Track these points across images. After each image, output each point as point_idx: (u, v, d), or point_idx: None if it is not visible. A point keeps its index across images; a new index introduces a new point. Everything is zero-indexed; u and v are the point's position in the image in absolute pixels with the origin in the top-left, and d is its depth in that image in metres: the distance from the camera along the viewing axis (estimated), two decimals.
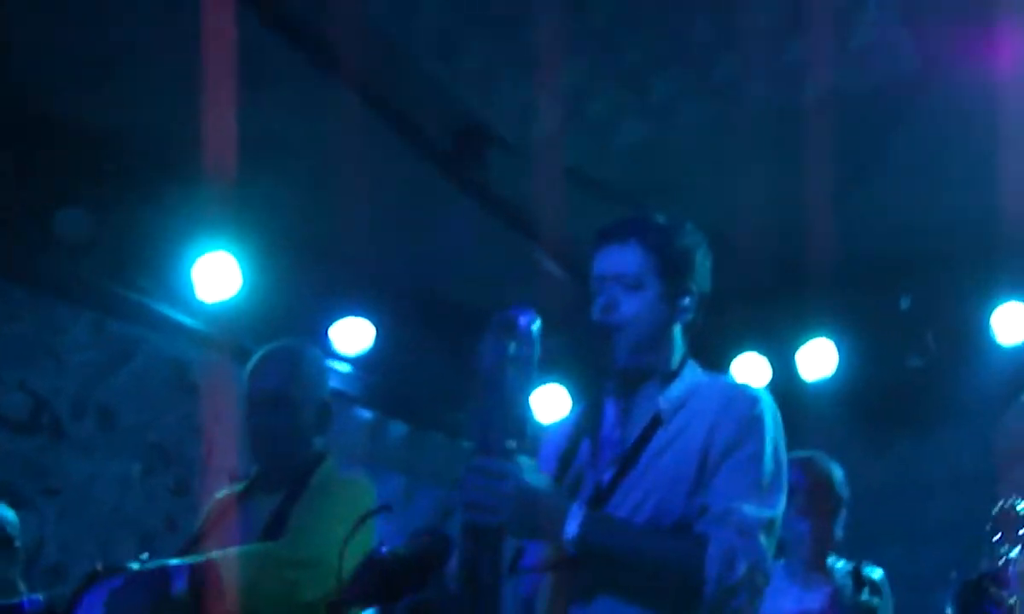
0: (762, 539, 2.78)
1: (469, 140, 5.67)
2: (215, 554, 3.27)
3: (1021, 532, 3.33)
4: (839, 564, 4.91)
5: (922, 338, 7.24)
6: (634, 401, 3.01)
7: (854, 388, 7.38)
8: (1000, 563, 3.33)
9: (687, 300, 3.02)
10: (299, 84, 5.31)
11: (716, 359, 7.72)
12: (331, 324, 6.71)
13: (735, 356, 7.48)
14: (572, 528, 2.71)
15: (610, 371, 3.01)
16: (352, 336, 6.89)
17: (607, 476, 2.93)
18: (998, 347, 7.03)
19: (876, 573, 4.81)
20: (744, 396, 2.95)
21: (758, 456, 2.85)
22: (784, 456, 2.94)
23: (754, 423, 2.89)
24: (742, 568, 2.71)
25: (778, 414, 2.97)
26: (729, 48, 5.20)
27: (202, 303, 6.34)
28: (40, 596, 3.98)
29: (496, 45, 5.08)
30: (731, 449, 2.84)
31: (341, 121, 5.55)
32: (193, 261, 6.20)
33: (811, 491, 4.90)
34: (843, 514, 4.97)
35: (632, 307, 2.93)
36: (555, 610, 2.87)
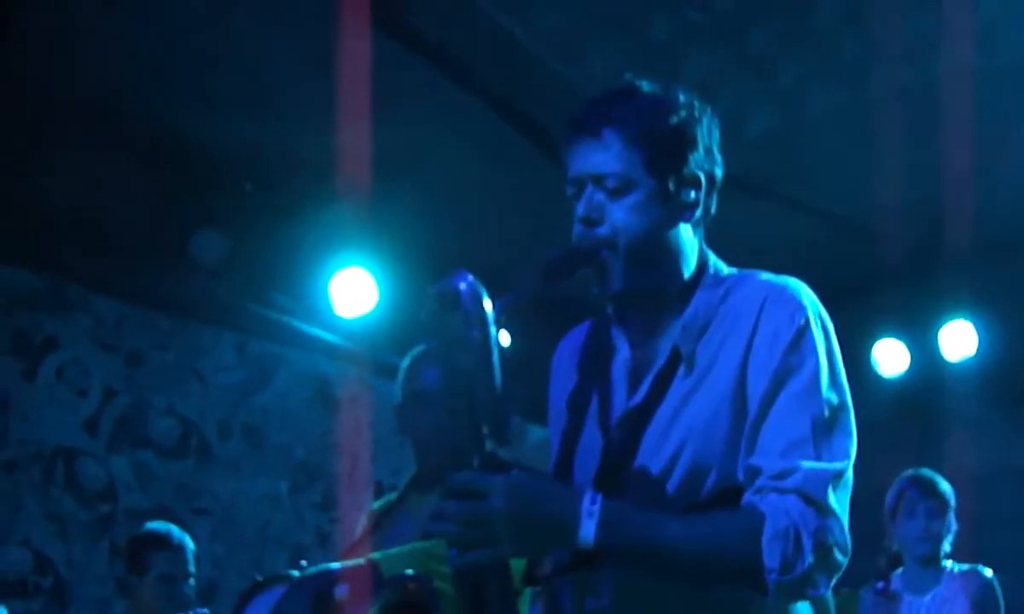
0: (832, 501, 2.17)
1: None
2: (374, 555, 3.30)
3: None
4: (952, 566, 5.09)
5: None
6: (643, 332, 2.41)
7: (997, 367, 7.24)
8: None
9: (691, 193, 2.35)
10: (432, 97, 5.36)
11: (854, 346, 7.65)
12: None
13: (874, 341, 7.41)
14: (588, 532, 2.12)
15: (606, 297, 2.40)
16: None
17: (617, 438, 2.35)
18: None
19: (988, 572, 5.01)
20: (779, 302, 2.29)
21: (813, 386, 2.23)
22: (842, 368, 2.29)
23: (800, 339, 2.24)
24: (812, 549, 2.13)
25: (825, 314, 2.33)
26: (855, 27, 5.14)
27: (340, 319, 6.45)
28: (206, 610, 4.08)
29: (621, 43, 5.08)
30: (778, 383, 2.23)
31: (474, 132, 5.59)
32: (330, 277, 6.31)
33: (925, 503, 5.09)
34: (952, 522, 5.11)
35: (621, 215, 2.31)
36: None
